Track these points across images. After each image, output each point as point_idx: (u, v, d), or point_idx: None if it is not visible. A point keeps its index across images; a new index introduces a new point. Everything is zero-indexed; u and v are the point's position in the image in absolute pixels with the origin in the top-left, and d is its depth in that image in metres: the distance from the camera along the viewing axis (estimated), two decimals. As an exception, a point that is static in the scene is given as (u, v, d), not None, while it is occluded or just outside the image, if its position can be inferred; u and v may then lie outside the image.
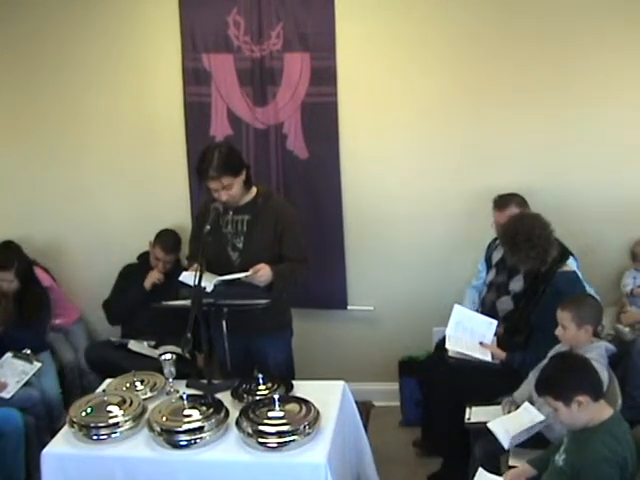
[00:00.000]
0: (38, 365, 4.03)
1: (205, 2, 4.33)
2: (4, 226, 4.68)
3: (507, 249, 3.69)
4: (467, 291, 4.27)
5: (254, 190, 3.65)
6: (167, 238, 4.44)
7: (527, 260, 3.61)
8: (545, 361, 3.17)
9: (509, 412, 3.28)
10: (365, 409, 4.23)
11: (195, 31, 4.37)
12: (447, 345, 3.78)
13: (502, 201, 4.03)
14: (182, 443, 2.94)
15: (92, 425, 3.04)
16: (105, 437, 3.02)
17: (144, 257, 4.55)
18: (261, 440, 2.91)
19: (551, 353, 3.29)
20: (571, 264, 3.71)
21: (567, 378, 2.64)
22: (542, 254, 3.61)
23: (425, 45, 4.26)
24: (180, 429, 2.96)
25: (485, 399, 3.48)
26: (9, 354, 4.02)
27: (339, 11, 4.24)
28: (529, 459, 2.92)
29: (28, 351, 4.08)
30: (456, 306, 3.79)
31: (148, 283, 4.39)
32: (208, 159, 3.43)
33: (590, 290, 3.70)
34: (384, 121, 4.39)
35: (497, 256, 4.09)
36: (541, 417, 3.07)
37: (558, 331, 3.24)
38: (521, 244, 3.58)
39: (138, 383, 3.40)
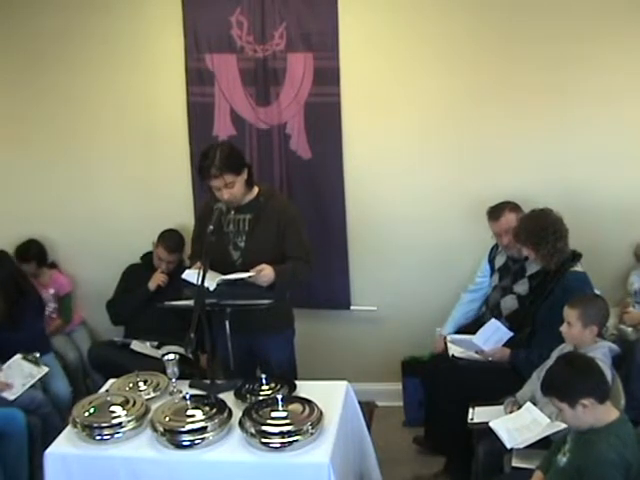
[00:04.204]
0: (45, 369, 4.01)
1: (208, 2, 4.33)
2: (8, 226, 4.69)
3: (532, 245, 3.67)
4: (462, 295, 4.29)
5: (255, 189, 3.65)
6: (170, 238, 4.44)
7: (554, 253, 3.63)
8: (550, 361, 3.18)
9: (511, 412, 3.29)
10: (368, 409, 4.22)
11: (198, 31, 4.37)
12: (451, 350, 3.87)
13: (495, 211, 4.03)
14: (185, 443, 2.94)
15: (95, 425, 3.03)
16: (108, 437, 3.02)
17: (148, 257, 4.55)
18: (264, 440, 2.90)
19: (555, 352, 3.30)
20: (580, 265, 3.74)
21: (573, 380, 2.63)
22: (565, 247, 3.66)
23: (429, 45, 4.26)
24: (183, 429, 2.96)
25: (488, 399, 3.48)
26: (19, 356, 4.00)
27: (342, 11, 4.24)
28: (538, 465, 2.91)
29: (37, 354, 4.07)
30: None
31: (153, 284, 4.38)
32: (210, 158, 3.43)
33: (596, 291, 3.69)
34: (387, 121, 4.39)
35: (500, 261, 4.11)
36: (545, 418, 3.07)
37: (563, 328, 3.25)
38: (549, 236, 3.61)
39: (141, 383, 3.39)
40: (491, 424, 3.19)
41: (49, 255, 4.76)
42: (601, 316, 3.27)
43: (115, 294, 4.54)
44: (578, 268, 3.69)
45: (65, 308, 4.73)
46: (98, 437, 3.02)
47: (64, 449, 3.05)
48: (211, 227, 3.38)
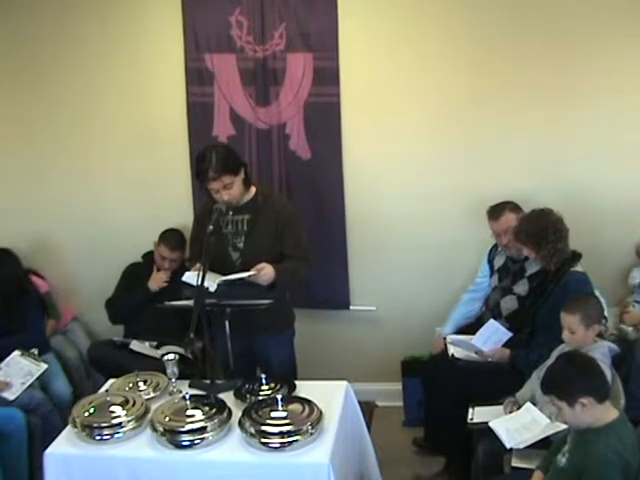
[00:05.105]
0: (44, 366, 4.01)
1: (208, 2, 4.33)
2: (8, 225, 4.69)
3: (532, 245, 3.67)
4: (463, 296, 4.29)
5: (253, 189, 3.66)
6: (172, 236, 4.44)
7: (554, 254, 3.63)
8: (550, 361, 3.18)
9: (511, 412, 3.29)
10: (368, 409, 4.22)
11: (198, 31, 4.37)
12: (451, 351, 3.87)
13: (495, 211, 4.04)
14: (185, 443, 2.94)
15: (95, 425, 3.03)
16: (108, 437, 3.02)
17: (149, 256, 4.55)
18: (264, 440, 2.90)
19: (555, 353, 3.30)
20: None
21: (572, 379, 2.63)
22: (566, 247, 3.66)
23: (429, 44, 4.26)
24: (183, 429, 2.96)
25: (488, 399, 3.48)
26: (17, 352, 3.99)
27: (342, 11, 4.24)
28: (538, 465, 2.91)
29: (35, 351, 4.08)
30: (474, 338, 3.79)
31: (154, 285, 4.37)
32: (207, 161, 3.43)
33: (596, 291, 3.69)
34: (387, 121, 4.38)
35: (499, 262, 4.11)
36: (544, 418, 3.07)
37: (565, 335, 3.24)
38: (550, 236, 3.62)
39: (141, 383, 3.39)
40: (490, 424, 3.19)
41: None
42: (600, 314, 3.28)
43: (115, 293, 4.53)
44: (578, 268, 3.69)
45: (49, 306, 4.71)
46: (98, 437, 3.02)
47: (64, 449, 3.05)
48: (211, 227, 3.38)
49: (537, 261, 3.74)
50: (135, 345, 4.25)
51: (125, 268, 4.58)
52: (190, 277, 3.42)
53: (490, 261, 4.17)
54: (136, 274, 4.52)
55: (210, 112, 4.48)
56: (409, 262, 4.57)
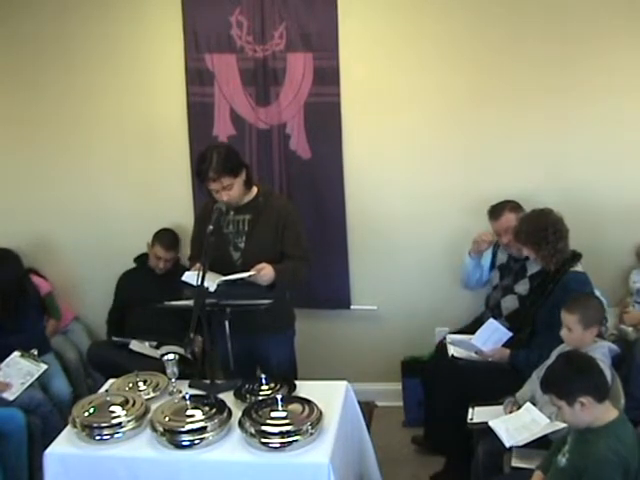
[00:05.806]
0: (44, 367, 4.01)
1: (208, 2, 4.33)
2: (9, 225, 4.70)
3: (532, 245, 3.67)
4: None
5: (254, 190, 3.66)
6: (165, 236, 4.45)
7: (554, 254, 3.63)
8: (549, 361, 3.18)
9: (511, 412, 3.29)
10: (368, 409, 4.22)
11: (198, 31, 4.37)
12: (451, 351, 3.86)
13: (495, 210, 4.05)
14: (185, 443, 2.94)
15: (95, 425, 3.03)
16: (108, 437, 3.02)
17: (142, 259, 4.55)
18: (264, 440, 2.90)
19: (555, 353, 3.30)
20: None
21: (571, 378, 2.63)
22: (566, 247, 3.66)
23: (429, 44, 4.26)
24: (183, 429, 2.96)
25: (488, 399, 3.48)
26: (16, 353, 3.99)
27: (342, 11, 4.24)
28: (538, 465, 2.91)
29: (35, 351, 4.08)
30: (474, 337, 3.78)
31: None
32: (207, 161, 3.44)
33: (596, 291, 3.70)
34: (387, 121, 4.39)
35: (501, 259, 4.12)
36: (544, 418, 3.07)
37: (563, 333, 3.24)
38: (550, 237, 3.62)
39: (141, 383, 3.39)
40: (490, 423, 3.19)
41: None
42: (600, 316, 3.28)
43: (113, 306, 4.57)
44: (578, 268, 3.69)
45: (50, 306, 4.70)
46: (98, 437, 3.02)
47: (64, 449, 3.05)
48: (210, 227, 3.38)
49: (537, 261, 3.74)
50: (135, 345, 4.25)
51: (118, 279, 4.57)
52: (190, 276, 3.41)
53: (494, 254, 4.17)
54: (132, 282, 4.53)
55: (210, 112, 4.48)
56: (409, 262, 4.57)
